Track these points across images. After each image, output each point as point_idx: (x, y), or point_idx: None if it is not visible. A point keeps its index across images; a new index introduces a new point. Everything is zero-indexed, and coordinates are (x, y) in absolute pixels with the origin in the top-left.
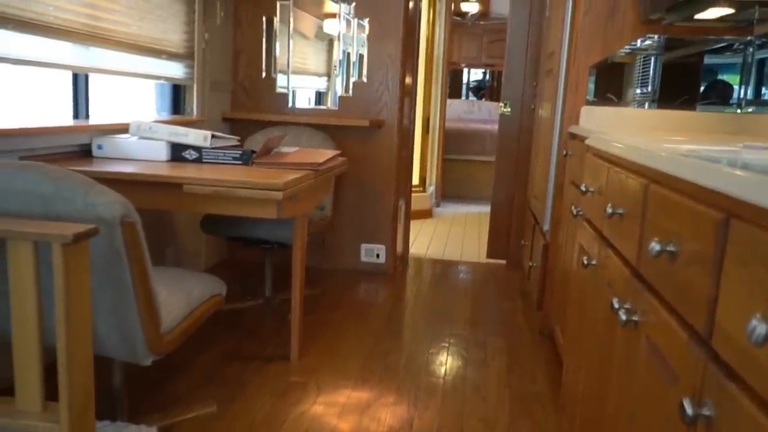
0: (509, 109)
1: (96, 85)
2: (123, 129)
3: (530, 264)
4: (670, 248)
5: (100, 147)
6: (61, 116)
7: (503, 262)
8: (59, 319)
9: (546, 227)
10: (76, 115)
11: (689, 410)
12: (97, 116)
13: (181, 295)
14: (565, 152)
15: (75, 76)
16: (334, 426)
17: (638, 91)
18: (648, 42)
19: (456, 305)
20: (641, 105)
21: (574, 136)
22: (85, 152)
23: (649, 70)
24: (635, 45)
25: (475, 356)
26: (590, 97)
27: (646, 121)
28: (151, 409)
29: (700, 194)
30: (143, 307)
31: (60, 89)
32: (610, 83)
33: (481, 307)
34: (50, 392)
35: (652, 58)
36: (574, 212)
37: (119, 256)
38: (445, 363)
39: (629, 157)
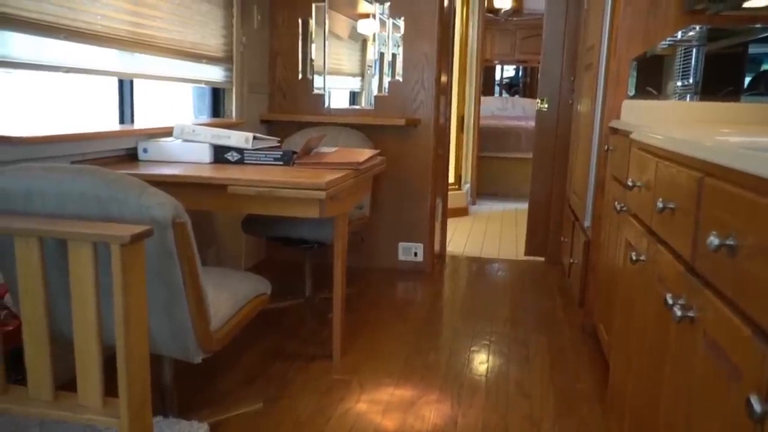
0: (546, 105)
1: (137, 89)
2: (166, 133)
3: (570, 261)
4: (730, 242)
5: (145, 150)
6: (108, 121)
7: (542, 259)
8: (118, 317)
9: (587, 223)
10: (122, 120)
11: (757, 407)
12: (142, 121)
13: (228, 294)
14: (606, 147)
15: (120, 83)
16: (378, 423)
17: (679, 83)
18: (690, 33)
19: (495, 303)
20: (682, 97)
21: (615, 131)
22: (130, 156)
23: (690, 62)
24: (676, 37)
25: (517, 354)
26: (632, 91)
27: (689, 114)
28: (198, 406)
29: (764, 187)
30: (194, 305)
31: (106, 95)
32: (650, 76)
33: (520, 304)
34: (107, 388)
35: (694, 50)
36: (618, 208)
37: (171, 256)
38: (487, 361)
39: (682, 151)
